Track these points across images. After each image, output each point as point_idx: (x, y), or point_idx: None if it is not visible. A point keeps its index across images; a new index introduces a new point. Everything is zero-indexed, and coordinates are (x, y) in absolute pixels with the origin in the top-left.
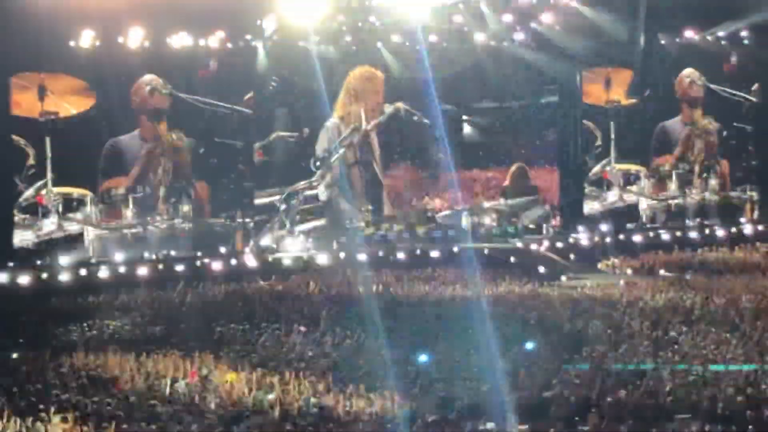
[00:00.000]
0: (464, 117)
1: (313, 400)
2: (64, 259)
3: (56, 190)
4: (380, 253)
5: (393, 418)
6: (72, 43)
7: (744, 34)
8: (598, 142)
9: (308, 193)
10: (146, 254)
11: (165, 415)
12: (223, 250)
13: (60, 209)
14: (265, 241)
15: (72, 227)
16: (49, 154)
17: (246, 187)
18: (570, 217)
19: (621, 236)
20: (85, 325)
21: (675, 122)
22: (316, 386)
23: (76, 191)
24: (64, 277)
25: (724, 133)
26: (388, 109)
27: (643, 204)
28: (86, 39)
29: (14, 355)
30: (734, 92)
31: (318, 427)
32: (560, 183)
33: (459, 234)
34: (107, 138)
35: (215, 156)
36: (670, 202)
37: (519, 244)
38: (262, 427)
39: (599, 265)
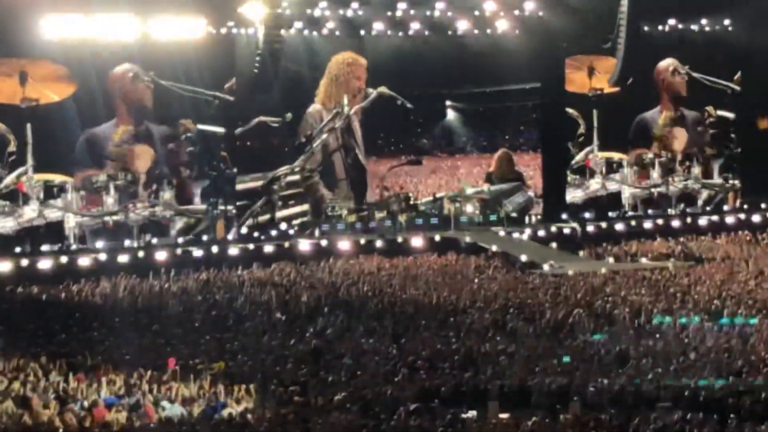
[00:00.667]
0: (448, 102)
1: None
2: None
3: (37, 176)
4: (361, 241)
5: None
6: (50, 29)
7: (727, 23)
8: (581, 130)
9: (290, 179)
10: (127, 242)
11: None
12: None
13: (41, 196)
14: (246, 227)
15: (53, 214)
16: (30, 140)
17: (228, 174)
18: (553, 204)
19: (603, 224)
20: None
21: (654, 113)
22: None
23: (57, 178)
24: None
25: (707, 121)
26: (371, 94)
27: (626, 192)
28: (69, 25)
29: None
30: (717, 81)
31: None
32: (543, 170)
33: (441, 222)
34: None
35: (197, 142)
36: (653, 190)
37: (501, 233)
38: None
39: (581, 253)
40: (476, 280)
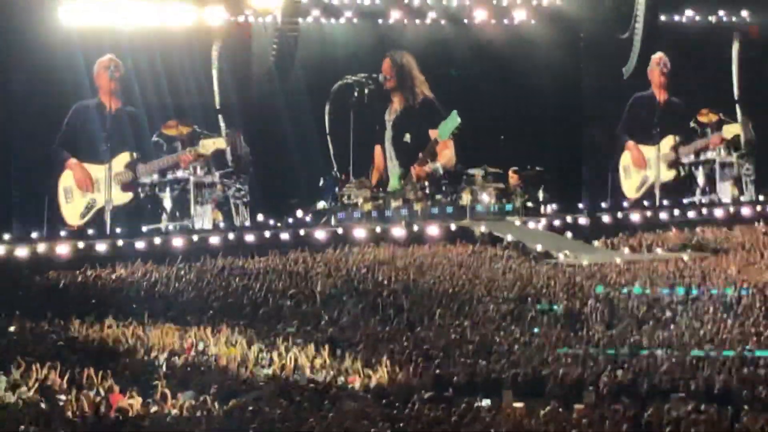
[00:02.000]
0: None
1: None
2: None
3: None
4: (377, 230)
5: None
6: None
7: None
8: None
9: None
10: None
11: None
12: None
13: None
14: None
15: None
16: None
17: None
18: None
19: (619, 214)
20: None
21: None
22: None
23: None
24: None
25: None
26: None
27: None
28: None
29: None
30: None
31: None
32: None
33: (457, 211)
34: None
35: None
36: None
37: (517, 222)
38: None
39: (596, 243)
40: (491, 270)
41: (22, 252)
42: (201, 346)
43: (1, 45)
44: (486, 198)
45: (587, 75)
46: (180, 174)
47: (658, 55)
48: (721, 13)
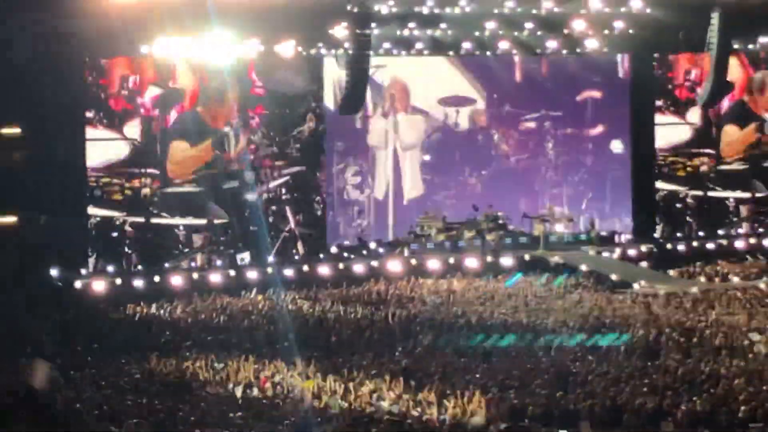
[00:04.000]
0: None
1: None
2: None
3: None
4: (451, 261)
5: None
6: (144, 49)
7: None
8: None
9: None
10: None
11: None
12: None
13: None
14: None
15: None
16: None
17: None
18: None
19: (694, 243)
20: None
21: None
22: None
23: None
24: None
25: None
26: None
27: None
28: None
29: None
30: None
31: None
32: (633, 188)
33: (530, 241)
34: None
35: None
36: None
37: (591, 252)
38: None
39: (671, 273)
40: (566, 300)
41: (98, 286)
42: (276, 378)
43: None
44: (559, 228)
45: None
46: None
47: None
48: None
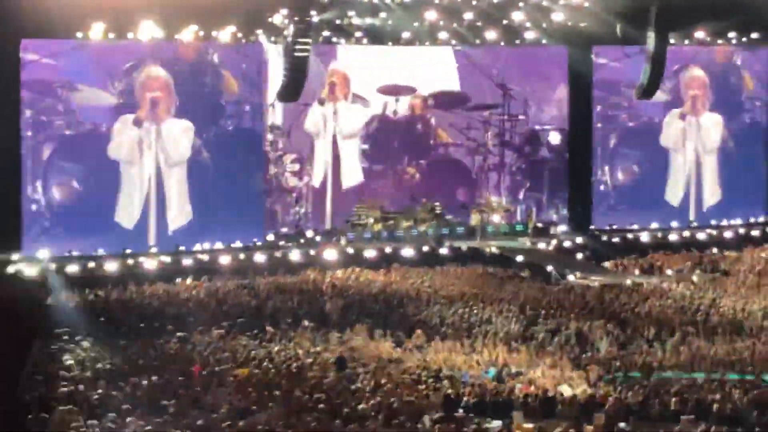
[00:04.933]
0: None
1: None
2: None
3: None
4: (387, 250)
5: None
6: (80, 35)
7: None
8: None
9: None
10: None
11: None
12: None
13: None
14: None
15: None
16: None
17: None
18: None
19: (630, 236)
20: None
21: None
22: None
23: None
24: None
25: None
26: None
27: None
28: (96, 31)
29: None
30: None
31: None
32: (570, 178)
33: (467, 232)
34: None
35: None
36: None
37: (527, 243)
38: None
39: (607, 264)
40: (501, 291)
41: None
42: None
43: None
44: (496, 219)
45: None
46: None
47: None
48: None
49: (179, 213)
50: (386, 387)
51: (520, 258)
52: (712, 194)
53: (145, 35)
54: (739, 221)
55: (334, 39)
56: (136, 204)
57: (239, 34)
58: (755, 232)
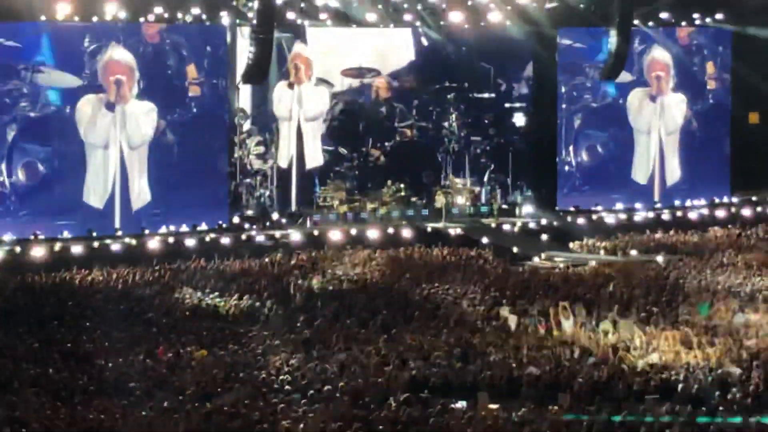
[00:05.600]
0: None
1: None
2: None
3: None
4: (353, 232)
5: None
6: (44, 18)
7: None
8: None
9: None
10: None
11: None
12: None
13: None
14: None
15: None
16: None
17: None
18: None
19: (594, 217)
20: None
21: None
22: None
23: None
24: None
25: None
26: None
27: None
28: (61, 14)
29: None
30: None
31: None
32: (535, 162)
33: (432, 213)
34: None
35: None
36: None
37: (492, 224)
38: None
39: (571, 245)
40: (466, 272)
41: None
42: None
43: None
44: (461, 200)
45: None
46: None
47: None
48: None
49: (140, 194)
50: (353, 368)
51: (485, 239)
52: (673, 174)
53: (110, 17)
54: (703, 202)
55: (299, 21)
56: (104, 185)
57: (204, 16)
58: (720, 213)
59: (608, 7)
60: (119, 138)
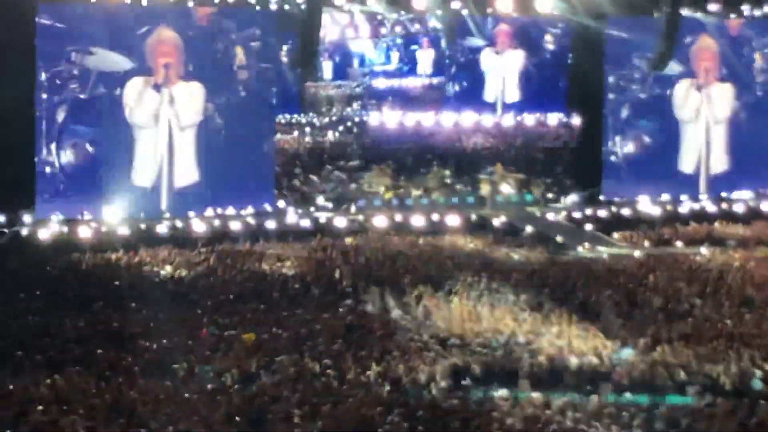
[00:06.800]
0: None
1: None
2: None
3: None
4: (397, 218)
5: None
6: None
7: None
8: None
9: None
10: None
11: None
12: None
13: None
14: None
15: None
16: None
17: None
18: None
19: (639, 207)
20: None
21: None
22: None
23: None
24: None
25: None
26: None
27: None
28: None
29: None
30: None
31: None
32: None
33: (477, 201)
34: None
35: None
36: None
37: (537, 213)
38: None
39: (615, 236)
40: (509, 261)
41: (44, 234)
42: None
43: None
44: (506, 188)
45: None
46: None
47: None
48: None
49: (187, 176)
50: (393, 354)
51: (528, 228)
52: (719, 164)
53: None
54: (750, 193)
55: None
56: (151, 167)
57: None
58: (766, 205)
59: None
60: (167, 119)
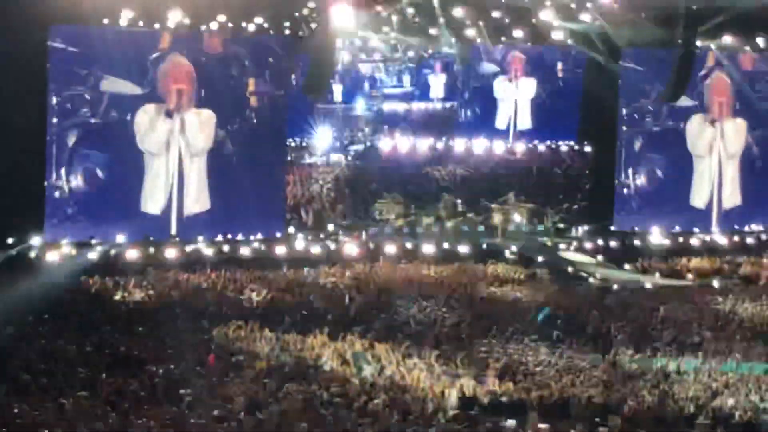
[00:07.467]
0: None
1: None
2: None
3: None
4: (408, 246)
5: None
6: (107, 21)
7: None
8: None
9: None
10: None
11: None
12: None
13: None
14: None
15: None
16: None
17: None
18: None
19: (651, 239)
20: None
21: None
22: None
23: None
24: None
25: None
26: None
27: None
28: (124, 20)
29: None
30: None
31: None
32: (593, 183)
33: (488, 229)
34: None
35: None
36: None
37: (548, 243)
38: None
39: (626, 267)
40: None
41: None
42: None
43: None
44: (518, 218)
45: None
46: None
47: None
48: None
49: (197, 202)
50: (401, 384)
51: (540, 258)
52: (732, 199)
53: (173, 24)
54: (761, 227)
55: None
56: (161, 193)
57: (266, 25)
58: None
59: (671, 30)
60: (178, 145)
